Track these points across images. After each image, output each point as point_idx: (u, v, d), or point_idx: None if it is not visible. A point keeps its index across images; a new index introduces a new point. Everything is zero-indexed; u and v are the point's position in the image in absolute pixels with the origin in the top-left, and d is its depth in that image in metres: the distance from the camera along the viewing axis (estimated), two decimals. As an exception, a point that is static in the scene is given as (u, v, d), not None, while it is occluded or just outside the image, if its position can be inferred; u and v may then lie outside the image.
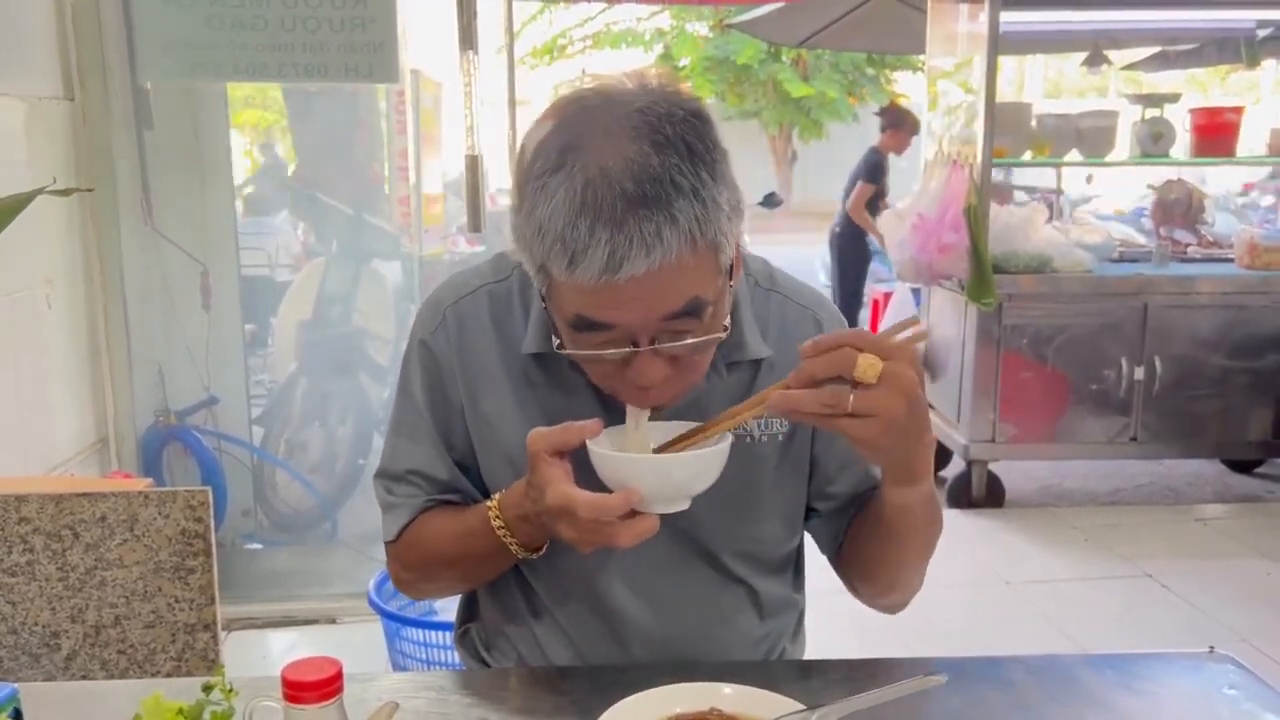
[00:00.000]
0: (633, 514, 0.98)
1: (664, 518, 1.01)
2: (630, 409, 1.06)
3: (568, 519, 0.99)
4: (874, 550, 1.16)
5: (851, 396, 0.92)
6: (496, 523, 1.10)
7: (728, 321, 1.03)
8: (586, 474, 1.01)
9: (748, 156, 17.52)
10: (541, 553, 1.13)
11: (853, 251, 6.79)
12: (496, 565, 1.18)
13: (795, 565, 1.29)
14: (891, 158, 6.54)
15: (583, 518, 0.97)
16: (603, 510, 0.96)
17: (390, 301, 3.81)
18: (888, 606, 1.25)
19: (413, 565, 1.24)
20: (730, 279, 1.02)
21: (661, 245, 0.91)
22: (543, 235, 0.94)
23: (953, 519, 4.17)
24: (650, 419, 1.07)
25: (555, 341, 1.05)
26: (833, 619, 1.72)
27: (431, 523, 1.21)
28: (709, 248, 0.95)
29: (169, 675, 1.49)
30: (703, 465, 1.01)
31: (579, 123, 0.95)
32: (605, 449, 1.01)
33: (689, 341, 0.99)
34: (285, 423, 3.63)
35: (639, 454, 1.04)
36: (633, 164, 0.91)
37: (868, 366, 0.92)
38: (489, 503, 1.12)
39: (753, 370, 1.17)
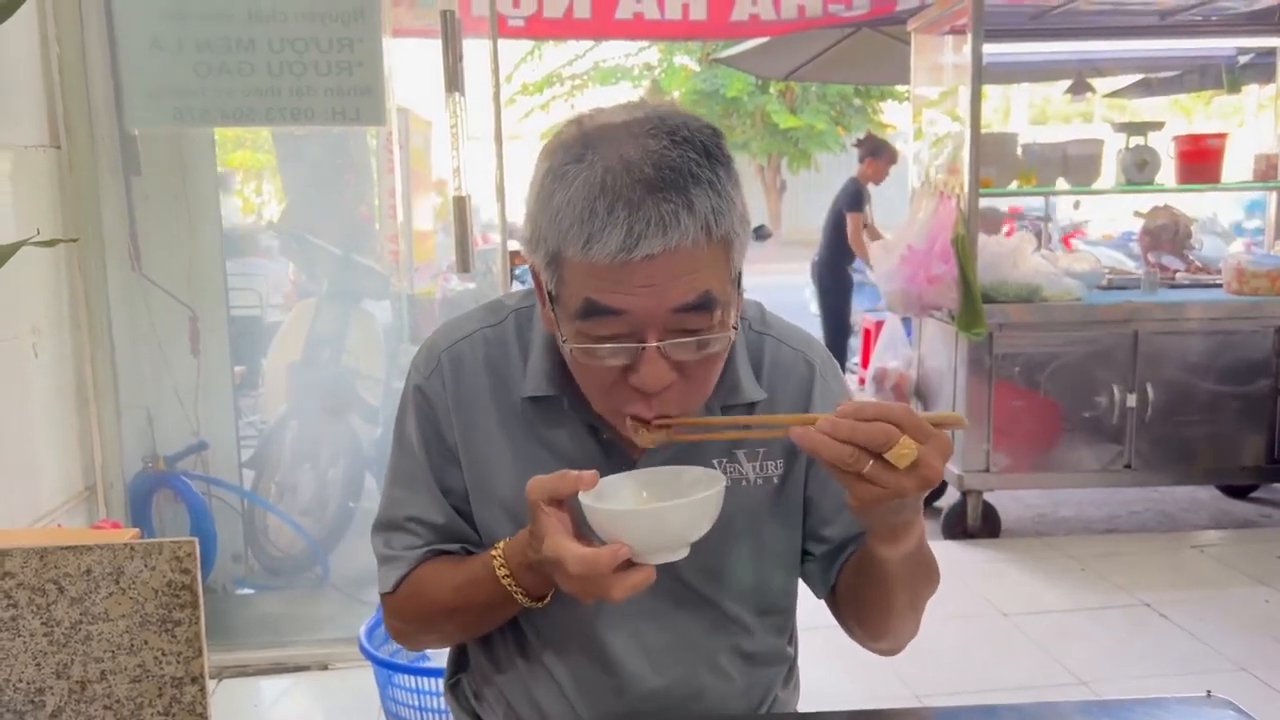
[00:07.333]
0: (630, 564, 0.96)
1: (661, 566, 0.98)
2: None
3: (561, 572, 0.97)
4: (863, 597, 1.15)
5: (870, 463, 0.91)
6: (501, 571, 1.08)
7: (735, 325, 1.03)
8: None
9: (737, 188, 17.56)
10: (546, 601, 1.11)
11: (834, 281, 6.84)
12: (498, 615, 1.16)
13: (789, 614, 1.28)
14: (888, 182, 6.60)
15: (572, 574, 0.96)
16: (592, 565, 0.95)
17: (381, 341, 3.80)
18: (881, 651, 1.24)
19: (410, 617, 1.22)
20: (739, 290, 1.03)
21: (679, 227, 0.93)
22: (559, 219, 0.96)
23: (948, 550, 4.15)
24: (649, 463, 1.05)
25: (560, 339, 1.03)
26: (829, 653, 1.70)
27: (431, 573, 1.19)
28: (722, 242, 0.98)
29: (155, 731, 1.47)
30: (695, 512, 0.97)
31: (601, 125, 0.99)
32: (598, 500, 0.98)
33: (697, 339, 0.99)
34: (275, 465, 3.60)
35: (628, 507, 1.02)
36: (652, 154, 0.95)
37: (902, 454, 0.90)
38: (493, 551, 1.10)
39: (747, 413, 1.17)
